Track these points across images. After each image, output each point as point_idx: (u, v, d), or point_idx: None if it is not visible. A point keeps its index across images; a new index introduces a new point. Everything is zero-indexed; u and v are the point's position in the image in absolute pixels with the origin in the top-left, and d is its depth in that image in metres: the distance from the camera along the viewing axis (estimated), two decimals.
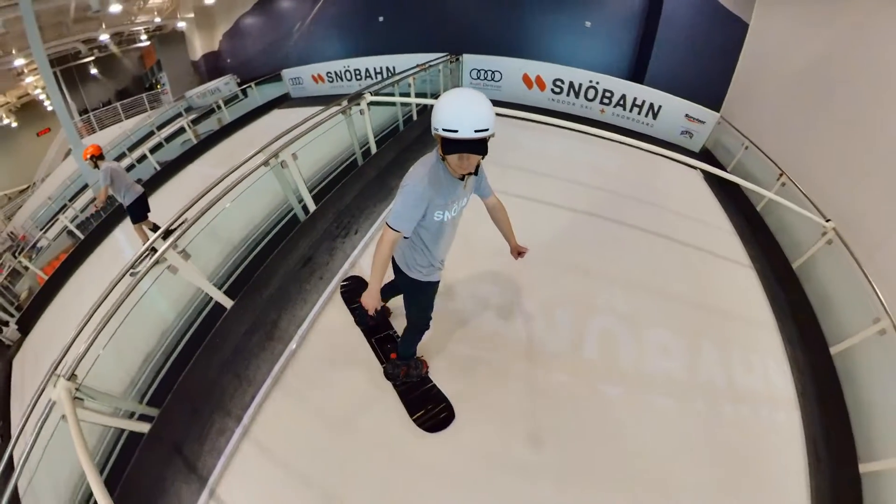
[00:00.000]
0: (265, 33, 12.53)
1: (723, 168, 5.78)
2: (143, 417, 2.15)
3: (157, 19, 14.37)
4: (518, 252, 2.09)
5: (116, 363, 2.63)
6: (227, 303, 2.54)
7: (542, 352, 2.70)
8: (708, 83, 7.10)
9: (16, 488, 1.84)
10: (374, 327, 2.72)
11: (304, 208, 3.28)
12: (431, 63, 5.81)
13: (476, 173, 1.61)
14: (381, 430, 2.23)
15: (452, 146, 1.42)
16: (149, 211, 4.63)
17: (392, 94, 4.71)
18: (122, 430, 2.20)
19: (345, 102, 3.77)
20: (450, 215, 1.73)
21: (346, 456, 2.12)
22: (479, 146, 1.42)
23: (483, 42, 7.61)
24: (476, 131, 1.38)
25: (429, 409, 2.36)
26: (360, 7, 10.12)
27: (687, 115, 6.58)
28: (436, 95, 6.09)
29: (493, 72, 6.60)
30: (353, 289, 2.92)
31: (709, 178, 5.20)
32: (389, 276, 1.95)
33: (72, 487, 2.24)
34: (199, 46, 14.97)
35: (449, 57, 6.66)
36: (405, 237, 1.74)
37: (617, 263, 3.49)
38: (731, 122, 6.23)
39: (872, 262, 3.31)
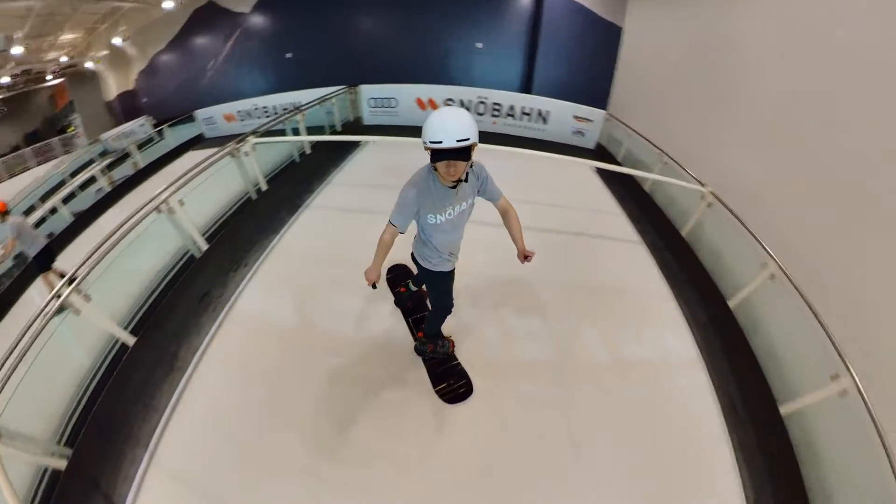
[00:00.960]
0: (180, 71, 12.52)
1: (615, 158, 6.68)
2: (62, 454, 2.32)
3: (65, 58, 13.94)
4: (525, 256, 2.19)
5: (30, 405, 2.77)
6: (131, 340, 2.86)
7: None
8: (594, 85, 8.14)
9: None
10: (411, 309, 3.10)
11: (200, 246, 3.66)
12: (327, 97, 6.32)
13: (466, 180, 1.86)
14: (282, 445, 2.39)
15: (439, 155, 1.67)
16: (53, 260, 4.82)
17: (283, 132, 5.21)
18: (45, 469, 2.33)
19: (230, 146, 4.20)
20: (442, 218, 1.95)
21: (249, 468, 2.28)
22: (461, 154, 1.66)
23: (383, 71, 8.23)
24: (458, 140, 1.61)
25: (451, 382, 2.67)
26: (270, 44, 10.49)
27: (575, 116, 7.25)
28: (333, 127, 6.69)
29: (388, 99, 7.19)
30: (396, 276, 3.34)
31: (602, 170, 5.68)
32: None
33: None
34: (113, 85, 14.62)
35: (347, 89, 7.21)
36: (401, 232, 1.98)
37: (525, 268, 3.84)
38: (618, 116, 6.88)
39: (753, 217, 3.58)
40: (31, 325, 2.27)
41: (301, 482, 2.23)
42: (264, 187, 4.48)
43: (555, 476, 2.35)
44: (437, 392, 2.61)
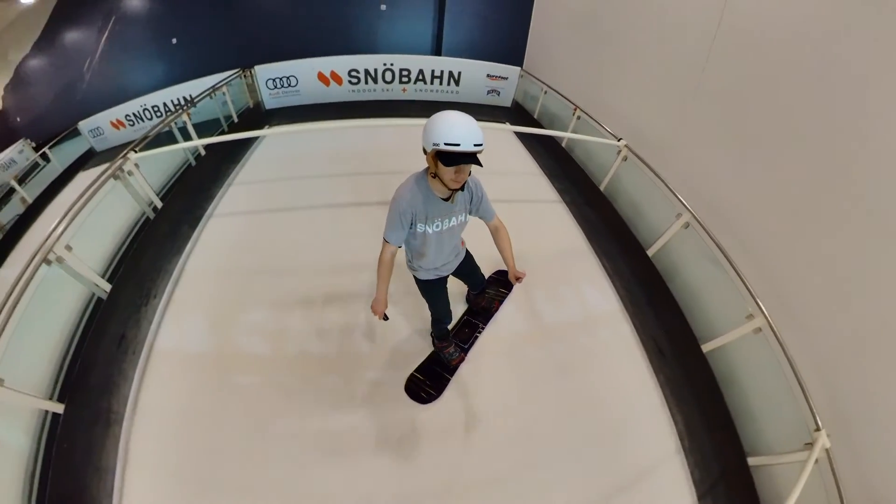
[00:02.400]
0: (54, 78, 11.03)
1: (531, 115, 6.74)
2: None
3: None
4: (516, 277, 2.21)
5: None
6: (60, 407, 2.64)
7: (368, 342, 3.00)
8: (508, 42, 7.78)
9: None
10: (476, 312, 3.17)
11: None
12: (217, 86, 5.75)
13: (463, 189, 1.80)
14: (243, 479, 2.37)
15: (453, 159, 1.61)
16: None
17: (172, 134, 4.75)
18: None
19: (109, 168, 3.77)
20: (431, 229, 1.90)
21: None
22: (475, 158, 1.65)
23: (280, 46, 7.53)
24: (475, 145, 1.60)
25: (426, 382, 2.73)
26: (152, 31, 9.33)
27: (489, 75, 7.14)
28: (230, 119, 6.14)
29: (288, 78, 6.62)
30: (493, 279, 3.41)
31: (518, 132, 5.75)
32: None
33: None
34: None
35: (241, 72, 6.60)
36: (398, 247, 1.94)
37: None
38: (534, 73, 6.87)
39: (666, 167, 3.73)
40: None
41: None
42: (160, 204, 4.10)
43: (495, 444, 2.49)
44: (411, 374, 2.73)
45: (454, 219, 1.95)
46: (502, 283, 3.41)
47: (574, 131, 5.14)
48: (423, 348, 2.95)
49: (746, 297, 2.72)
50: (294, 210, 4.20)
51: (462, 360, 2.85)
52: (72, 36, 10.35)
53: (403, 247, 2.11)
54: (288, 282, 3.42)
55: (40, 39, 10.65)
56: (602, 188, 4.50)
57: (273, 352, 2.96)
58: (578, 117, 5.15)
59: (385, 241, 1.90)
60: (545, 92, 6.28)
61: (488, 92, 7.31)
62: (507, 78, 7.17)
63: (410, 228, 1.90)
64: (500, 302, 3.29)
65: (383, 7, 8.22)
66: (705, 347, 3.06)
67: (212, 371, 2.87)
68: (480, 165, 1.66)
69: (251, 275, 3.51)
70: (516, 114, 7.10)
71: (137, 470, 2.45)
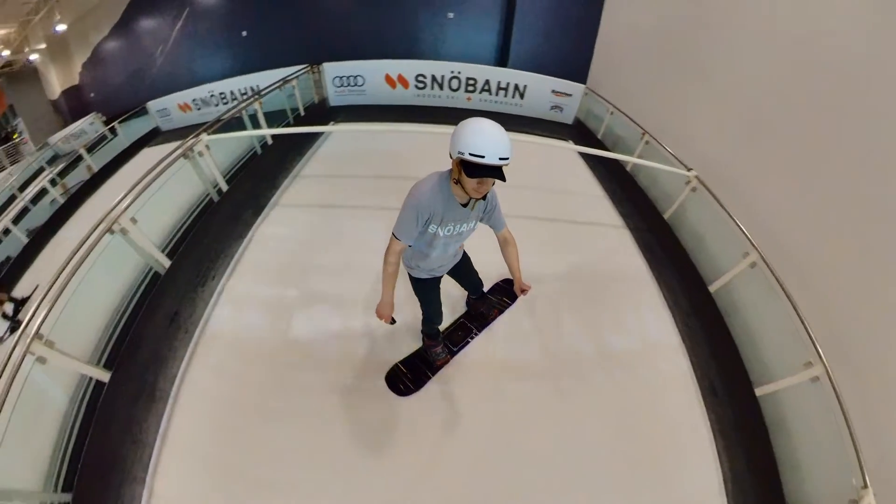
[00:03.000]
0: (128, 60, 11.66)
1: (594, 135, 6.52)
2: None
3: (4, 53, 12.87)
4: (521, 290, 2.18)
5: (16, 455, 2.58)
6: (106, 375, 2.63)
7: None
8: (573, 57, 7.71)
9: None
10: (473, 316, 3.09)
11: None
12: (286, 79, 5.83)
13: (485, 199, 1.77)
14: (276, 465, 2.35)
15: (477, 171, 1.55)
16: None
17: (241, 121, 4.78)
18: None
19: (181, 147, 3.78)
20: (442, 232, 1.85)
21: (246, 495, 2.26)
22: (500, 172, 1.57)
23: (349, 47, 7.71)
24: (500, 159, 1.53)
25: (407, 375, 2.71)
26: (223, 23, 9.72)
27: (553, 91, 7.02)
28: (296, 111, 6.20)
29: (355, 77, 6.72)
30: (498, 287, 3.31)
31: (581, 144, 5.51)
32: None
33: None
34: (56, 82, 13.63)
35: (309, 68, 6.68)
36: (409, 245, 1.88)
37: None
38: (598, 91, 6.69)
39: (736, 203, 3.57)
40: None
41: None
42: (225, 187, 4.09)
43: (542, 467, 2.44)
44: (394, 366, 2.73)
45: (467, 224, 1.90)
46: (507, 292, 3.29)
47: (641, 156, 4.93)
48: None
49: (807, 345, 2.60)
50: (358, 208, 4.13)
51: (447, 361, 2.79)
52: (147, 23, 10.94)
53: (408, 253, 2.08)
54: (347, 280, 3.31)
55: (118, 24, 11.31)
56: (666, 217, 4.34)
57: (325, 349, 2.89)
58: (647, 142, 4.96)
59: (395, 237, 1.82)
60: (611, 113, 6.07)
61: (551, 107, 7.19)
62: (571, 95, 7.04)
63: (422, 228, 1.84)
64: (500, 311, 3.18)
65: (450, 15, 8.25)
66: (759, 391, 2.94)
67: (261, 361, 2.81)
68: (503, 180, 1.58)
69: (310, 269, 3.43)
70: (578, 132, 6.93)
71: (176, 446, 2.46)
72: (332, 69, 6.57)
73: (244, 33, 9.44)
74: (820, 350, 2.50)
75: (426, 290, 2.30)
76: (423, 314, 2.53)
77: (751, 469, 2.67)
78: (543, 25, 8.03)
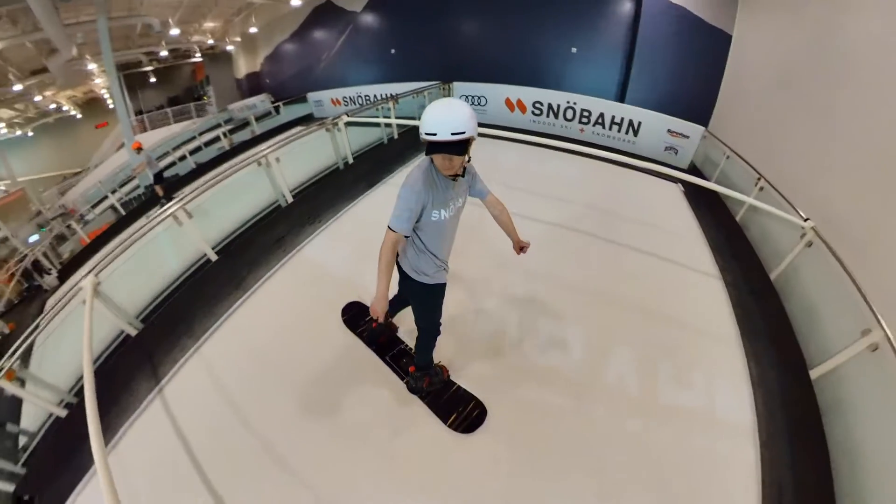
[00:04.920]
0: (299, 59, 13.98)
1: (708, 181, 5.55)
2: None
3: (210, 41, 16.27)
4: (520, 247, 2.16)
5: (136, 282, 3.29)
6: (215, 257, 3.43)
7: (510, 360, 2.73)
8: (695, 98, 7.24)
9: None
10: (383, 344, 2.73)
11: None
12: (419, 90, 6.77)
13: (463, 175, 1.77)
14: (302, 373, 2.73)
15: (433, 148, 1.61)
16: (163, 179, 7.10)
17: (376, 116, 5.73)
18: (116, 337, 2.93)
19: (326, 122, 4.74)
20: (446, 214, 1.84)
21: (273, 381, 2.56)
22: (456, 147, 1.58)
23: (477, 70, 8.55)
24: (452, 134, 1.54)
25: (460, 410, 2.38)
26: (377, 41, 11.37)
27: (669, 131, 6.61)
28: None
29: (479, 97, 7.47)
30: (354, 314, 2.96)
31: (689, 193, 5.28)
32: (394, 290, 1.95)
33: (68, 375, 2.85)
34: (243, 66, 16.84)
35: (441, 84, 7.63)
36: (405, 237, 1.81)
37: (581, 275, 3.51)
38: (718, 135, 6.06)
39: (859, 265, 2.84)
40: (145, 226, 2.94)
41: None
42: (351, 161, 4.96)
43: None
44: (449, 426, 2.32)
45: (459, 200, 1.91)
46: (358, 314, 2.99)
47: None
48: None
49: None
50: None
51: (447, 371, 2.56)
52: (319, 33, 13.08)
53: (414, 260, 1.98)
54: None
55: (297, 31, 13.66)
56: (773, 277, 3.72)
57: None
58: (761, 188, 4.39)
59: (390, 229, 1.78)
60: (727, 157, 5.46)
61: (666, 148, 6.74)
62: (688, 137, 6.50)
63: (419, 221, 1.82)
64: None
65: (574, 50, 8.62)
66: None
67: (332, 290, 3.21)
68: (460, 154, 1.61)
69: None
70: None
71: (234, 327, 2.96)
72: (460, 87, 7.42)
73: (392, 51, 10.94)
74: None
75: (438, 297, 2.15)
76: (430, 331, 2.27)
77: None
78: (665, 63, 7.82)
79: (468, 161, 1.77)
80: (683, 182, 4.72)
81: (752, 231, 4.43)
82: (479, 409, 2.38)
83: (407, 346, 2.72)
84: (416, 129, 5.95)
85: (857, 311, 2.51)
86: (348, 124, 4.94)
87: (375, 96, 9.18)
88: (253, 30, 14.90)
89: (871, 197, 3.36)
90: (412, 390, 2.45)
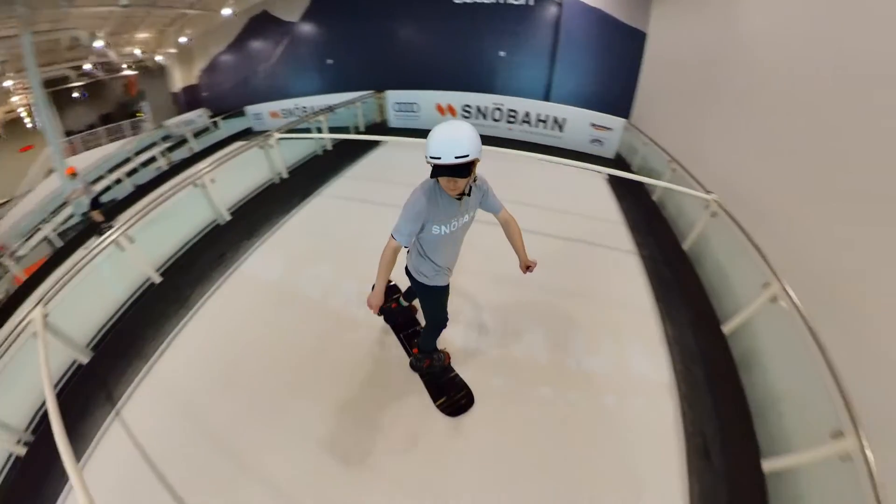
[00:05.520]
0: (237, 71, 13.87)
1: (630, 169, 6.41)
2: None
3: (141, 53, 15.72)
4: (527, 266, 2.18)
5: (80, 311, 3.31)
6: (159, 279, 3.64)
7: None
8: (616, 93, 7.93)
9: None
10: (402, 325, 3.04)
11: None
12: (353, 101, 7.08)
13: (469, 194, 1.83)
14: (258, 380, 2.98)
15: (438, 171, 1.65)
16: (101, 205, 7.35)
17: (309, 130, 5.99)
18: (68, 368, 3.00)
19: (258, 139, 4.96)
20: (447, 230, 1.90)
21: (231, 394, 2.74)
22: (460, 170, 1.63)
23: (412, 78, 8.90)
24: (456, 157, 1.58)
25: (451, 395, 2.63)
26: (314, 51, 11.56)
27: (593, 125, 7.14)
28: (357, 127, 7.41)
29: (411, 104, 7.88)
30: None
31: (612, 179, 5.65)
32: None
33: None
34: (179, 79, 16.38)
35: (375, 93, 7.96)
36: (405, 247, 1.91)
37: (511, 266, 3.71)
38: (639, 125, 6.68)
39: (758, 229, 3.22)
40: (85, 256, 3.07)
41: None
42: (286, 175, 5.21)
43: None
44: (437, 406, 2.59)
45: (466, 216, 1.97)
46: (387, 292, 3.28)
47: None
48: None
49: (840, 409, 1.95)
50: (383, 205, 4.83)
51: (449, 356, 2.82)
52: (256, 44, 13.09)
53: (416, 262, 2.13)
54: (359, 257, 3.95)
55: (234, 42, 13.62)
56: (685, 247, 4.12)
57: (324, 306, 3.39)
58: (674, 169, 4.94)
59: (392, 237, 1.90)
60: (645, 144, 6.09)
61: (591, 141, 7.24)
62: (611, 129, 7.05)
63: (421, 232, 1.92)
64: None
65: (502, 54, 9.22)
66: (768, 465, 2.30)
67: (272, 302, 3.48)
68: (465, 177, 1.66)
69: (330, 243, 4.29)
70: (617, 166, 6.64)
71: (182, 346, 3.10)
72: (393, 95, 7.79)
73: (329, 61, 11.15)
74: (855, 419, 1.87)
75: (442, 296, 2.31)
76: (434, 324, 2.46)
77: None
78: (587, 62, 8.54)
79: (475, 181, 1.87)
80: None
81: (669, 209, 4.96)
82: (467, 398, 2.62)
83: (421, 328, 3.01)
84: (350, 141, 6.31)
85: (759, 270, 2.88)
86: (281, 140, 5.18)
87: (314, 108, 9.38)
88: (184, 39, 14.54)
89: (767, 170, 3.82)
90: (413, 368, 2.75)
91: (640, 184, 5.33)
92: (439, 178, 1.71)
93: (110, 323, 3.39)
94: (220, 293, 3.65)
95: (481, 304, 3.37)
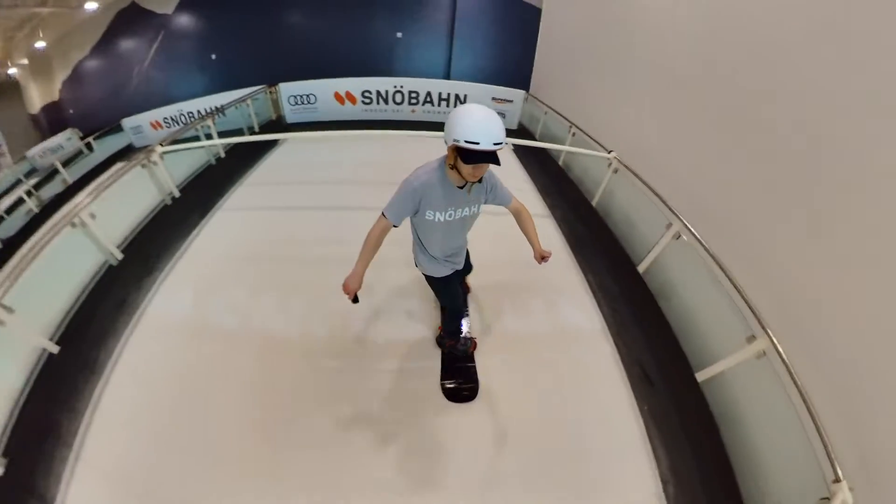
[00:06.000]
0: (106, 79, 12.24)
1: (533, 137, 6.90)
2: None
3: None
4: (542, 257, 2.13)
5: None
6: (56, 348, 3.08)
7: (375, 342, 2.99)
8: (515, 67, 8.28)
9: None
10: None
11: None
12: (243, 98, 6.50)
13: (480, 181, 1.80)
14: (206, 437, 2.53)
15: (472, 157, 1.58)
16: None
17: (197, 138, 5.43)
18: None
19: (140, 157, 4.41)
20: (441, 217, 1.85)
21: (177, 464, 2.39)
22: (495, 157, 1.61)
23: (305, 67, 8.35)
24: (494, 144, 1.56)
25: (459, 382, 2.68)
26: (195, 46, 10.45)
27: (494, 98, 7.48)
28: (252, 128, 6.85)
29: (307, 95, 7.38)
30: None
31: (518, 150, 5.92)
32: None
33: None
34: (37, 97, 14.10)
35: (267, 88, 7.37)
36: (395, 226, 1.84)
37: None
38: (538, 96, 7.15)
39: (657, 178, 3.59)
40: None
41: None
42: (177, 194, 4.71)
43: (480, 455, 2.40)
44: (441, 385, 2.65)
45: (467, 209, 1.92)
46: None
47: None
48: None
49: (748, 316, 2.35)
50: (295, 209, 4.66)
51: (475, 345, 2.87)
52: (126, 44, 11.52)
53: (414, 248, 2.15)
54: (275, 267, 3.86)
55: (98, 44, 11.88)
56: (594, 203, 4.46)
57: (251, 333, 3.17)
58: (574, 134, 5.25)
59: (383, 215, 1.82)
60: (546, 113, 6.45)
61: None
62: (512, 101, 7.46)
63: (415, 215, 1.88)
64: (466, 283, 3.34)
65: (399, 35, 9.07)
66: (700, 376, 2.69)
67: (192, 340, 3.19)
68: (498, 164, 1.64)
69: (244, 261, 3.98)
70: (521, 136, 7.20)
71: (106, 416, 2.73)
72: (287, 88, 7.24)
73: (213, 56, 10.19)
74: (762, 320, 2.25)
75: (450, 287, 2.31)
76: (448, 312, 2.55)
77: (697, 468, 2.36)
78: (484, 39, 8.80)
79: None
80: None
81: (575, 171, 5.34)
82: (471, 391, 2.65)
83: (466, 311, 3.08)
84: (245, 144, 5.81)
85: (661, 213, 3.26)
86: (166, 154, 4.65)
87: (200, 112, 8.54)
88: (41, 44, 12.49)
89: (658, 125, 4.18)
90: (437, 343, 2.84)
91: (546, 151, 5.62)
92: (464, 165, 1.64)
93: (11, 423, 2.76)
94: (130, 346, 3.21)
95: (412, 291, 3.36)
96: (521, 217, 2.17)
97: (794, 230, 2.67)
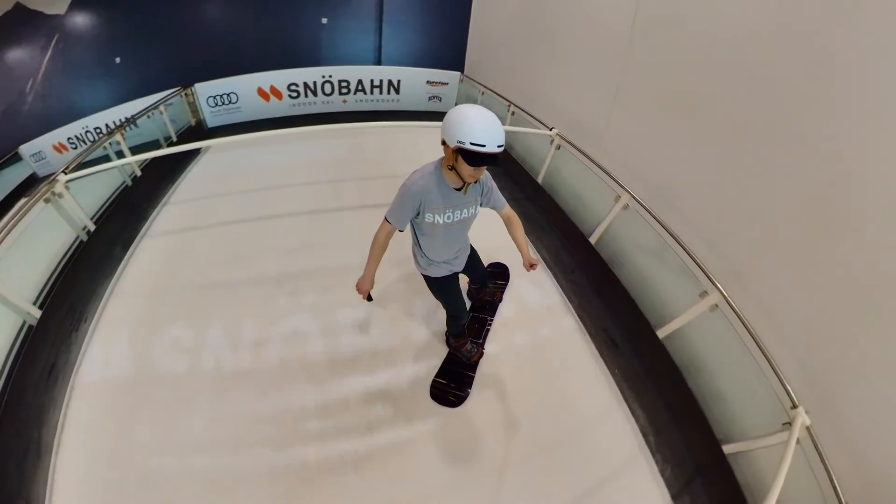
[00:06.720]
0: None
1: None
2: None
3: None
4: (530, 264, 2.18)
5: None
6: None
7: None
8: (448, 49, 8.04)
9: None
10: (480, 307, 3.18)
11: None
12: (153, 106, 5.77)
13: (477, 181, 1.86)
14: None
15: (477, 159, 1.65)
16: None
17: (107, 157, 4.80)
18: None
19: (40, 190, 3.82)
20: (441, 219, 1.91)
21: None
22: (495, 159, 1.68)
23: (223, 63, 7.59)
24: (498, 146, 1.63)
25: (450, 385, 2.68)
26: (96, 50, 9.23)
27: (428, 82, 7.39)
28: (169, 138, 6.18)
29: (228, 95, 6.72)
30: (499, 273, 3.46)
31: None
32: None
33: None
34: None
35: (181, 90, 6.63)
36: (399, 230, 1.93)
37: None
38: (474, 77, 7.12)
39: (599, 151, 3.76)
40: None
41: None
42: (93, 227, 4.16)
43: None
44: (433, 381, 2.69)
45: (465, 210, 1.98)
46: (498, 274, 3.48)
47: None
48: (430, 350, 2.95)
49: (699, 274, 2.61)
50: (231, 223, 4.32)
51: (482, 355, 2.88)
52: (12, 55, 10.03)
53: (413, 248, 2.18)
54: (220, 293, 3.55)
55: None
56: (540, 180, 4.49)
57: (200, 372, 2.95)
58: (513, 113, 5.28)
59: (386, 220, 1.91)
60: (482, 93, 6.39)
61: (430, 98, 7.50)
62: (447, 83, 7.42)
63: (416, 217, 1.93)
64: (502, 293, 3.34)
65: (324, 20, 8.41)
66: (661, 333, 2.89)
67: (137, 391, 2.92)
68: (498, 165, 1.72)
69: (182, 290, 3.62)
70: None
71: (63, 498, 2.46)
72: (204, 89, 6.52)
73: (118, 59, 9.07)
74: (711, 276, 2.51)
75: (448, 289, 2.35)
76: (448, 314, 2.60)
77: (672, 417, 2.57)
78: (414, 22, 8.41)
79: None
80: None
81: (518, 150, 5.31)
82: (458, 399, 2.65)
83: (490, 318, 3.15)
84: (164, 158, 5.21)
85: (607, 186, 3.41)
86: (72, 182, 4.05)
87: (108, 126, 7.66)
88: None
89: (596, 100, 4.20)
90: (446, 342, 2.87)
91: None
92: (465, 166, 1.69)
93: None
94: (70, 419, 2.83)
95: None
96: (511, 223, 2.20)
97: (732, 189, 2.83)
